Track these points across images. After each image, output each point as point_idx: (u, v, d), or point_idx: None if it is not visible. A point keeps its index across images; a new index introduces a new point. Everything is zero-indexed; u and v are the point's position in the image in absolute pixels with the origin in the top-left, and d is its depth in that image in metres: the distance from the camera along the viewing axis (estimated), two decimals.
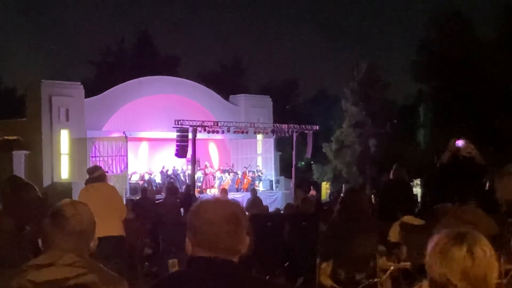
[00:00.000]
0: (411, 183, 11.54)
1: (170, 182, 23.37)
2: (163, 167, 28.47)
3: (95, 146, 26.83)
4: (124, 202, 22.28)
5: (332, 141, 37.81)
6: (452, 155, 8.81)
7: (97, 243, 3.23)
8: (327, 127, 38.84)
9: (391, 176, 10.48)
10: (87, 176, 8.92)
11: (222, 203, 2.61)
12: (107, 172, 25.31)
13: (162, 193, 25.91)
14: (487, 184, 9.79)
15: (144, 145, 30.91)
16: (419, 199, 20.60)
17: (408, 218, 7.92)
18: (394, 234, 7.74)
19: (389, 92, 38.26)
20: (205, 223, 2.52)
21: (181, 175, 28.60)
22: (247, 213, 2.71)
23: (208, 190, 27.86)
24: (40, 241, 3.15)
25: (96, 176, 8.76)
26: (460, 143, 8.87)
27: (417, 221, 7.82)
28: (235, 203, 2.65)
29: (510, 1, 33.60)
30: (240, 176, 29.40)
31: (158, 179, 27.77)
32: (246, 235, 2.58)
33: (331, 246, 6.90)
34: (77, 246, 3.07)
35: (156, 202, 15.57)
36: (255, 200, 18.29)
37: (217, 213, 2.54)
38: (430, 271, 2.52)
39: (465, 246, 2.45)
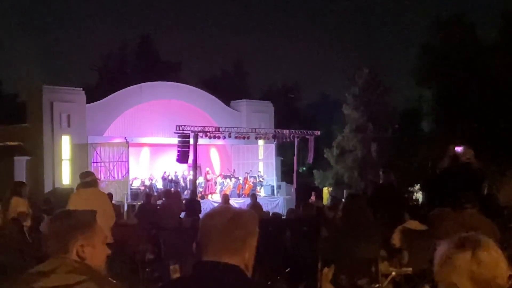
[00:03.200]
0: (400, 187, 11.39)
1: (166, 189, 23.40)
2: (165, 173, 28.48)
3: (96, 151, 26.86)
4: (125, 208, 22.47)
5: (333, 146, 37.81)
6: (451, 160, 8.83)
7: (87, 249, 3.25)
8: (329, 132, 38.85)
9: (380, 181, 10.34)
10: (79, 181, 8.94)
11: (229, 207, 2.72)
12: (108, 178, 25.56)
13: (163, 199, 26.04)
14: (487, 189, 9.80)
15: (146, 150, 30.94)
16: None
17: (411, 224, 7.92)
18: (396, 239, 7.75)
19: (391, 96, 38.29)
20: (207, 222, 2.61)
21: (182, 180, 28.61)
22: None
23: (209, 196, 27.87)
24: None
25: (88, 181, 8.76)
26: (459, 149, 8.90)
27: (420, 226, 7.82)
28: (246, 210, 2.73)
29: None
30: (241, 182, 29.40)
31: (159, 184, 27.77)
32: (253, 244, 2.62)
33: (333, 251, 6.90)
34: (54, 249, 3.10)
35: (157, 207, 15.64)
36: (255, 206, 18.27)
37: (220, 214, 2.62)
38: (438, 280, 2.50)
39: (469, 250, 2.43)
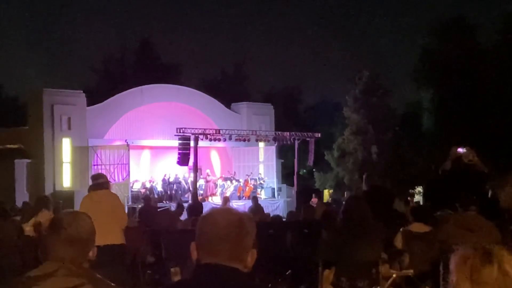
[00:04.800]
0: (386, 190, 11.21)
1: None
2: (165, 175, 28.47)
3: (97, 154, 26.86)
4: (126, 210, 22.46)
5: (334, 148, 37.81)
6: (454, 162, 8.81)
7: (96, 252, 3.22)
8: (329, 134, 38.84)
9: (364, 187, 10.20)
10: (90, 183, 8.93)
11: (231, 211, 2.69)
12: (109, 181, 25.53)
13: (164, 201, 26.02)
14: (489, 191, 9.78)
15: (146, 153, 30.93)
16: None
17: (414, 226, 7.91)
18: (398, 241, 7.74)
19: (391, 99, 38.29)
20: (212, 227, 2.58)
21: (183, 183, 28.60)
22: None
23: (210, 198, 27.85)
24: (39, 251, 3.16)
25: (100, 183, 8.75)
26: (461, 150, 8.86)
27: (422, 228, 7.80)
28: (245, 214, 2.72)
29: None
30: (242, 184, 29.39)
31: (159, 187, 27.77)
32: (253, 247, 2.62)
33: (334, 253, 6.89)
34: (75, 256, 3.06)
35: (159, 210, 15.64)
36: (257, 208, 18.27)
37: (225, 219, 2.60)
38: None
39: (495, 264, 2.42)
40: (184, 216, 15.86)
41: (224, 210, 2.69)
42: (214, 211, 2.68)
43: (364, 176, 10.36)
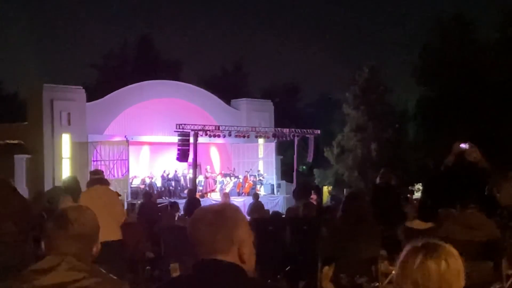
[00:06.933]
0: (398, 187, 11.38)
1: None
2: (164, 171, 28.47)
3: (96, 150, 26.86)
4: (126, 206, 22.49)
5: (333, 145, 37.81)
6: (456, 158, 8.78)
7: (100, 248, 3.22)
8: (329, 131, 38.83)
9: (377, 180, 10.33)
10: (89, 179, 8.96)
11: (215, 204, 2.74)
12: (108, 176, 25.52)
13: (164, 197, 26.02)
14: (489, 189, 9.77)
15: (146, 149, 30.92)
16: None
17: (415, 223, 7.90)
18: (401, 238, 7.75)
19: (391, 96, 38.26)
20: (197, 223, 2.61)
21: (182, 179, 28.59)
22: (247, 216, 2.74)
23: (209, 194, 27.85)
24: (43, 244, 3.15)
25: (99, 179, 8.79)
26: (464, 146, 8.82)
27: (423, 225, 7.79)
28: (230, 205, 2.74)
29: None
30: (241, 180, 29.40)
31: (159, 183, 27.77)
32: (248, 240, 2.61)
33: (333, 250, 6.89)
34: (79, 250, 3.06)
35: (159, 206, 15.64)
36: (257, 205, 18.25)
37: (207, 213, 2.63)
38: (399, 282, 2.52)
39: (442, 258, 2.47)
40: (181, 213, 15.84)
41: (209, 205, 2.73)
42: (200, 208, 2.73)
43: (381, 171, 10.40)
